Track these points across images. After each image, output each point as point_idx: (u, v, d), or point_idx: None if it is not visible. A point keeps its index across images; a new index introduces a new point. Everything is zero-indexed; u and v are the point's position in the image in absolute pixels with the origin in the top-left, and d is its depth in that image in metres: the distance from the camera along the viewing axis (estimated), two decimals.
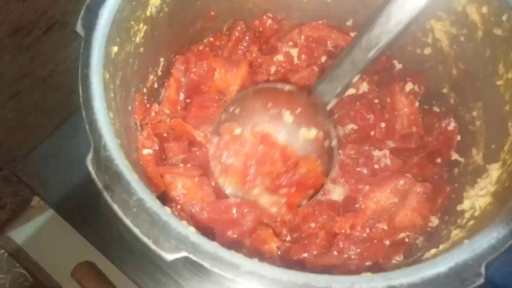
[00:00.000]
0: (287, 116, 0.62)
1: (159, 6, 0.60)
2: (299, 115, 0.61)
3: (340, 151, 0.70)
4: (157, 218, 0.39)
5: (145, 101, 0.62)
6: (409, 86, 0.71)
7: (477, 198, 0.50)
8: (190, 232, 0.39)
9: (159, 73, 0.68)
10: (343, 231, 0.61)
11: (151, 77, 0.66)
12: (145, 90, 0.64)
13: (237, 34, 0.76)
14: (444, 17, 0.61)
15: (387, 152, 0.68)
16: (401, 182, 0.63)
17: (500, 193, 0.47)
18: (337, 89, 0.57)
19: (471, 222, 0.48)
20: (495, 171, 0.51)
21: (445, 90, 0.68)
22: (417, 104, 0.68)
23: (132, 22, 0.55)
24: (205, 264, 0.38)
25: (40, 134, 0.80)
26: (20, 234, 1.29)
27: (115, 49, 0.51)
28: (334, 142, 0.61)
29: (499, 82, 0.55)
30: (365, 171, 0.69)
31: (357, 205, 0.66)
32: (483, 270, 0.38)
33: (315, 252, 0.60)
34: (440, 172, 0.67)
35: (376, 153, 0.69)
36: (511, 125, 0.52)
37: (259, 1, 0.73)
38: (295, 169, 0.61)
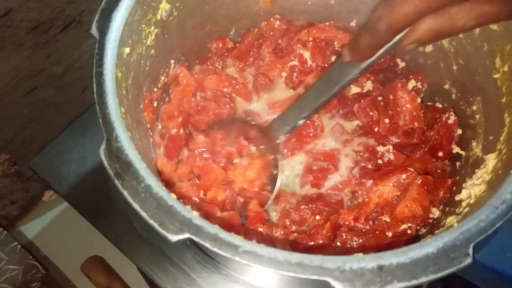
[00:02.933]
0: (253, 149, 0.71)
1: (169, 10, 0.64)
2: (261, 149, 0.70)
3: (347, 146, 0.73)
4: (163, 202, 0.42)
5: (154, 101, 0.66)
6: (412, 84, 0.73)
7: (473, 187, 0.51)
8: (194, 216, 0.42)
9: (169, 73, 0.71)
10: (346, 223, 0.63)
11: (162, 78, 0.69)
12: (155, 89, 0.67)
13: (250, 40, 0.80)
14: None
15: (390, 147, 0.70)
16: (404, 176, 0.65)
17: (493, 181, 0.48)
18: (286, 128, 0.66)
19: (466, 210, 0.49)
20: (491, 161, 0.52)
21: (446, 86, 0.69)
22: (419, 100, 0.69)
23: (143, 25, 0.59)
24: (207, 244, 0.40)
25: (53, 130, 0.84)
26: (31, 228, 1.34)
27: (127, 50, 0.54)
28: (279, 172, 0.69)
29: (496, 76, 0.56)
30: (369, 166, 0.71)
31: (360, 199, 0.68)
32: (471, 251, 0.39)
33: (321, 242, 0.62)
34: (443, 167, 0.68)
35: (380, 148, 0.71)
36: (507, 116, 0.53)
37: (265, 4, 0.77)
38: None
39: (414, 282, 0.38)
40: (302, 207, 0.67)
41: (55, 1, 0.79)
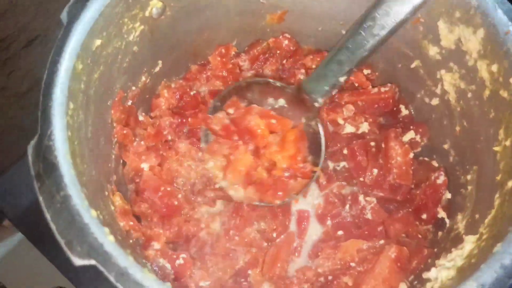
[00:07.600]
0: (282, 102, 0.64)
1: (161, 9, 0.59)
2: (292, 106, 0.63)
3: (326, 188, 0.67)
4: (78, 218, 0.38)
5: (128, 100, 0.61)
6: (410, 135, 0.66)
7: (442, 269, 0.45)
8: (107, 241, 0.37)
9: (154, 73, 0.67)
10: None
11: (143, 78, 0.65)
12: (133, 88, 0.63)
13: (256, 53, 0.76)
14: (454, 69, 0.57)
15: (374, 200, 0.64)
16: (381, 241, 0.59)
17: (464, 269, 0.42)
18: (324, 87, 0.58)
19: None
20: (469, 243, 0.46)
21: (446, 146, 0.62)
22: (411, 155, 0.63)
23: (126, 19, 0.55)
24: (111, 278, 0.35)
25: (15, 154, 0.78)
26: None
27: (98, 42, 0.50)
28: (321, 136, 0.62)
29: (496, 148, 0.50)
30: (348, 218, 0.65)
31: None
32: None
33: None
34: (425, 232, 0.61)
35: (363, 199, 0.65)
36: (497, 197, 0.46)
37: (272, 21, 0.72)
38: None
39: None
40: None
41: (17, 17, 0.73)
